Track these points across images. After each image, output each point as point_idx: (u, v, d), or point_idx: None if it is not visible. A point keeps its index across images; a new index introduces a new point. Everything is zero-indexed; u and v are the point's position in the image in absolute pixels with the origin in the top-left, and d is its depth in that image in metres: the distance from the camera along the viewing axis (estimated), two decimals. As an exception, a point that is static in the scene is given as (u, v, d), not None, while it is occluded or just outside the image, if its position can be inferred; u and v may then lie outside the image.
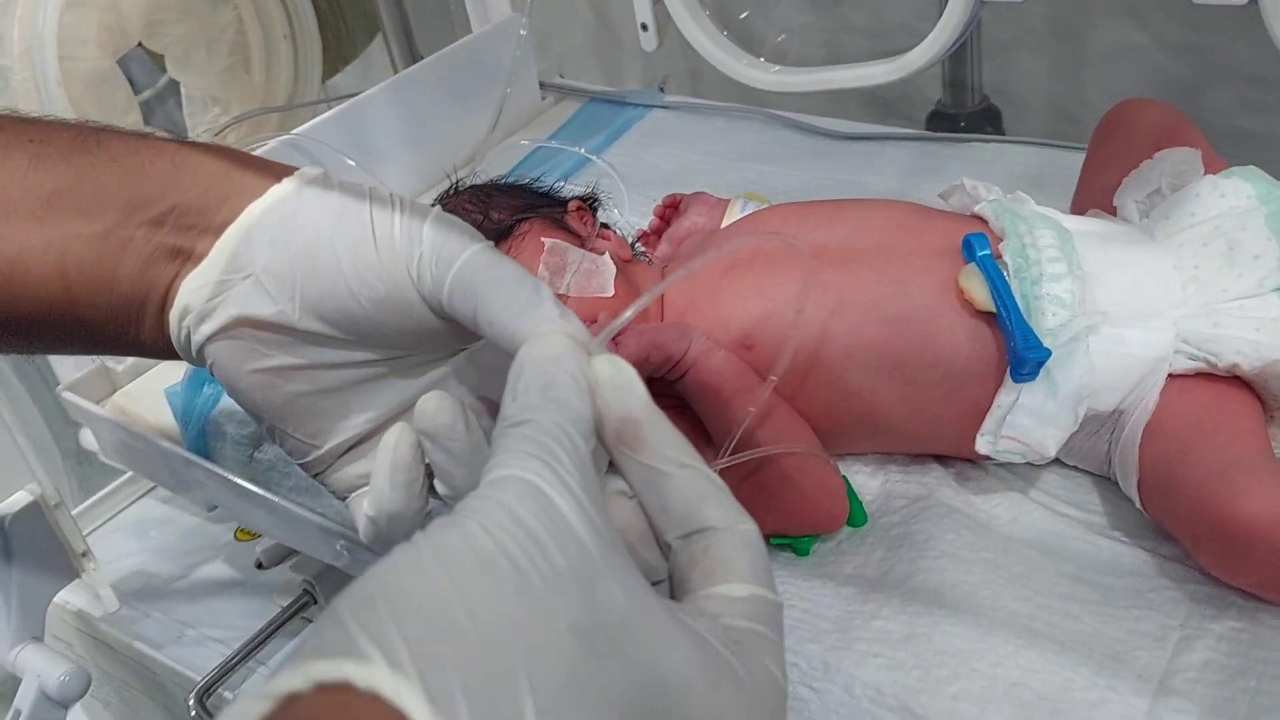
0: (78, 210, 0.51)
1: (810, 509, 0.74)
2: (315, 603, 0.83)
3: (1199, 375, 0.72)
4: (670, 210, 0.99)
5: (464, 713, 0.30)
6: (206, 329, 0.52)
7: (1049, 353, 0.71)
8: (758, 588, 0.40)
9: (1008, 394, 0.73)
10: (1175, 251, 0.76)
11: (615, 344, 0.74)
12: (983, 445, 0.74)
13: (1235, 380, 0.72)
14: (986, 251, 0.76)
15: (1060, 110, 1.43)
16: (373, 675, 0.30)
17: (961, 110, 1.34)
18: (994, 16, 1.34)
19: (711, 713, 0.36)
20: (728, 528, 0.41)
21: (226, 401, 0.91)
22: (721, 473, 0.68)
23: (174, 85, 1.37)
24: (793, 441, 0.74)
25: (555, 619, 0.34)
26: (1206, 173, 0.80)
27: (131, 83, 1.50)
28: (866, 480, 0.82)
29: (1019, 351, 0.71)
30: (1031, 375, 0.72)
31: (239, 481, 0.83)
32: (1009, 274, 0.75)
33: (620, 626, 0.35)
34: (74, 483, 1.18)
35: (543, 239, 0.81)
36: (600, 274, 0.81)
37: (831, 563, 0.76)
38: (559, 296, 0.76)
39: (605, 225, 0.91)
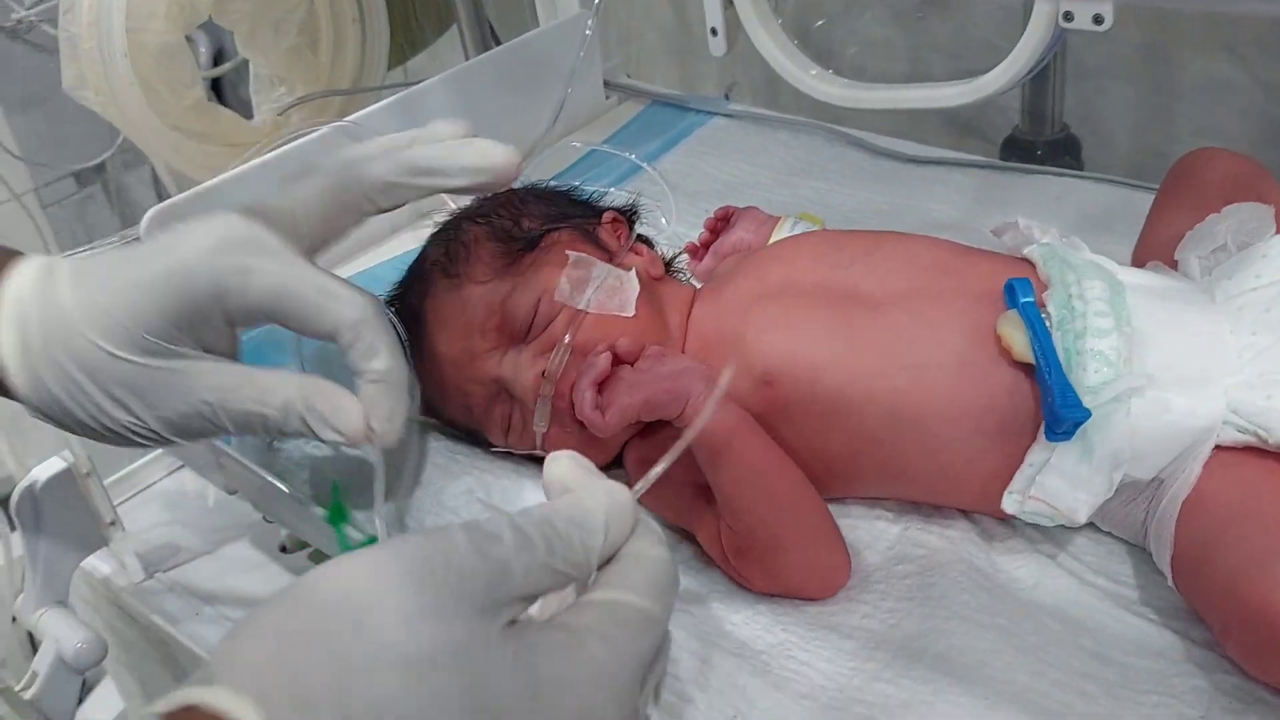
0: None
1: (795, 583, 0.72)
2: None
3: (1247, 450, 0.67)
4: (721, 223, 0.96)
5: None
6: None
7: (1089, 413, 0.66)
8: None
9: (1039, 453, 0.69)
10: (1234, 315, 0.71)
11: (609, 399, 0.72)
12: (1009, 504, 0.70)
13: None
14: (1030, 299, 0.72)
15: (1145, 146, 1.36)
16: (216, 696, 0.41)
17: (1039, 138, 1.28)
18: (1082, 42, 1.28)
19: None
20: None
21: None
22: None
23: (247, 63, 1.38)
24: (789, 507, 0.71)
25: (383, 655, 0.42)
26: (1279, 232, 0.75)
27: (220, 55, 1.51)
28: (886, 526, 0.78)
29: (1056, 409, 0.67)
30: (1068, 435, 0.67)
31: (253, 468, 0.83)
32: (1051, 325, 0.70)
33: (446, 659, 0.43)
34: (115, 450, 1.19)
35: (567, 251, 0.79)
36: (623, 292, 0.78)
37: (838, 611, 0.72)
38: (578, 313, 0.76)
39: (643, 238, 0.88)
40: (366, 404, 0.64)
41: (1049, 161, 1.23)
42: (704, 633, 0.71)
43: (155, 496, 0.99)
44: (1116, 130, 1.37)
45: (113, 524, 0.89)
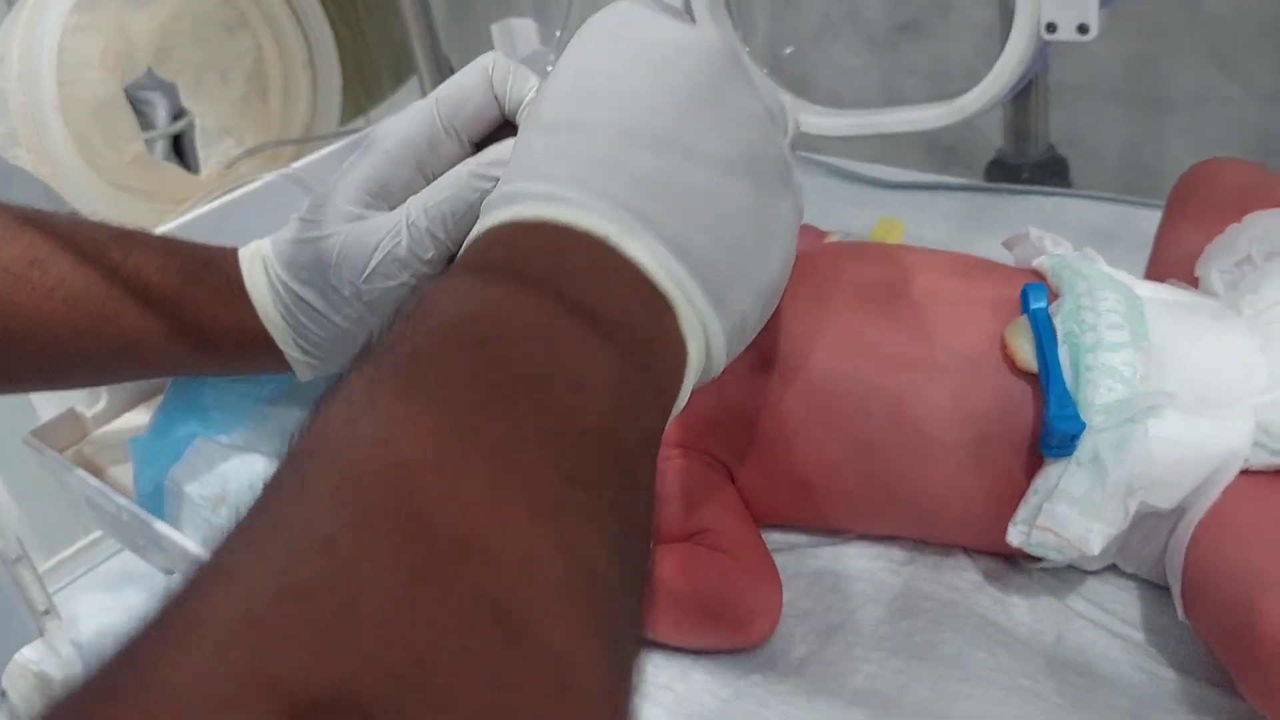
0: None
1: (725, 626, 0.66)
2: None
3: (1278, 473, 0.60)
4: None
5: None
6: None
7: (1083, 425, 0.60)
8: None
9: (1047, 478, 0.62)
10: (1264, 330, 0.64)
11: None
12: (1014, 536, 0.63)
13: None
14: (1042, 304, 0.66)
15: (1135, 163, 1.31)
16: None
17: (1024, 160, 1.22)
18: (1063, 59, 1.23)
19: None
20: None
21: (189, 456, 0.83)
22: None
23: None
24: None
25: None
26: (1304, 239, 0.69)
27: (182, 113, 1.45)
28: (889, 577, 0.70)
29: (1049, 419, 0.60)
30: (1064, 450, 0.61)
31: (191, 548, 0.76)
32: (1060, 339, 0.64)
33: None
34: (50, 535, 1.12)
35: None
36: None
37: (839, 674, 0.65)
38: None
39: None
40: None
41: (1036, 184, 1.17)
42: (689, 714, 0.63)
43: (100, 581, 0.92)
44: (1105, 148, 1.32)
45: (46, 613, 0.81)
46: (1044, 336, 0.64)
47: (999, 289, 0.69)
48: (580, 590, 0.28)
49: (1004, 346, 0.65)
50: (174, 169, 1.26)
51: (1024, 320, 0.66)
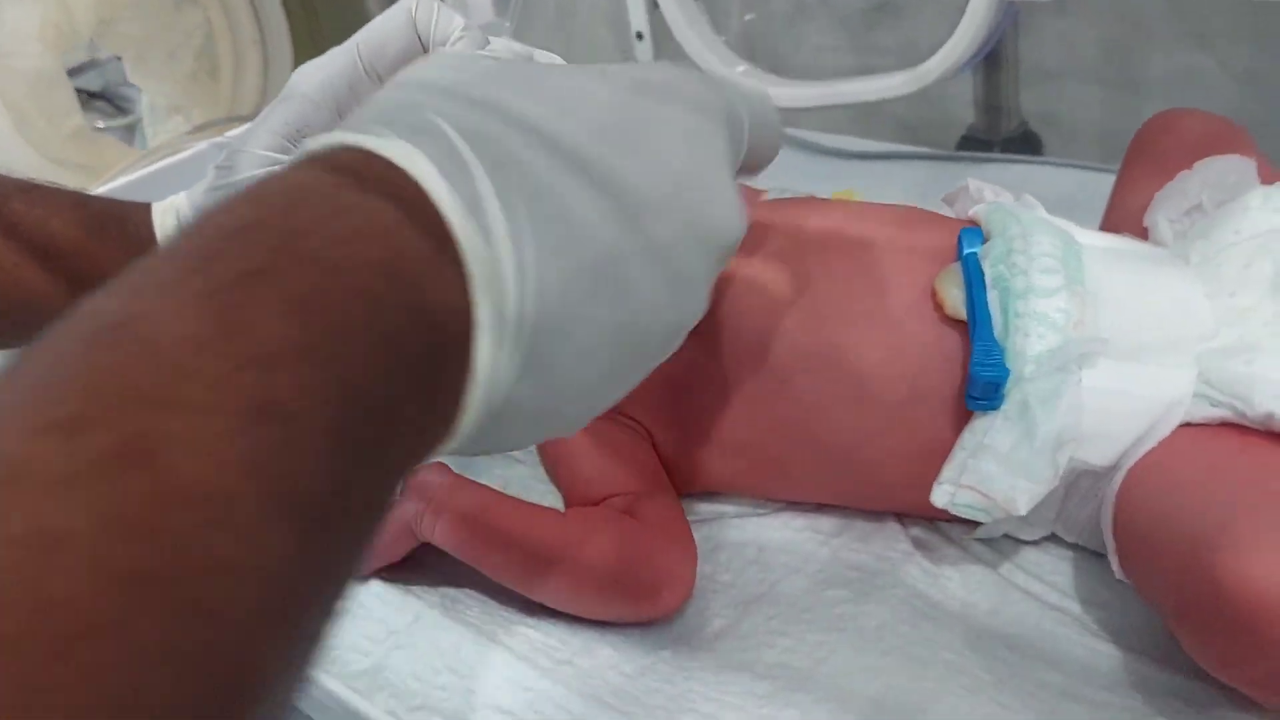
0: None
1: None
2: None
3: (1223, 426, 0.55)
4: None
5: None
6: None
7: (1007, 372, 0.56)
8: None
9: (974, 432, 0.57)
10: (1211, 276, 0.59)
11: None
12: (939, 496, 0.58)
13: (1271, 438, 0.54)
14: (976, 249, 0.61)
15: (1111, 140, 1.26)
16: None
17: (995, 136, 1.18)
18: (1039, 39, 1.19)
19: None
20: None
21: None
22: None
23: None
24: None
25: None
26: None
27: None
28: (816, 548, 0.66)
29: (972, 367, 0.56)
30: (990, 403, 0.56)
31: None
32: (989, 283, 0.59)
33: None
34: None
35: None
36: None
37: (753, 646, 0.60)
38: None
39: None
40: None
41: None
42: (590, 691, 0.58)
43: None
44: (1080, 127, 1.27)
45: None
46: (975, 283, 0.59)
47: (939, 237, 0.65)
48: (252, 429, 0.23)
49: (934, 295, 0.61)
50: (114, 144, 1.22)
51: (955, 266, 0.61)
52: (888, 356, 0.61)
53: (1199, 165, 0.66)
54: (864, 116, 1.38)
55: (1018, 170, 1.00)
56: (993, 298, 0.59)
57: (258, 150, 0.60)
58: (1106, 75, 1.26)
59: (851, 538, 0.66)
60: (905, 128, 1.36)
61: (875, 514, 0.67)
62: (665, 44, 1.21)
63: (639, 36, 1.18)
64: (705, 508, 0.70)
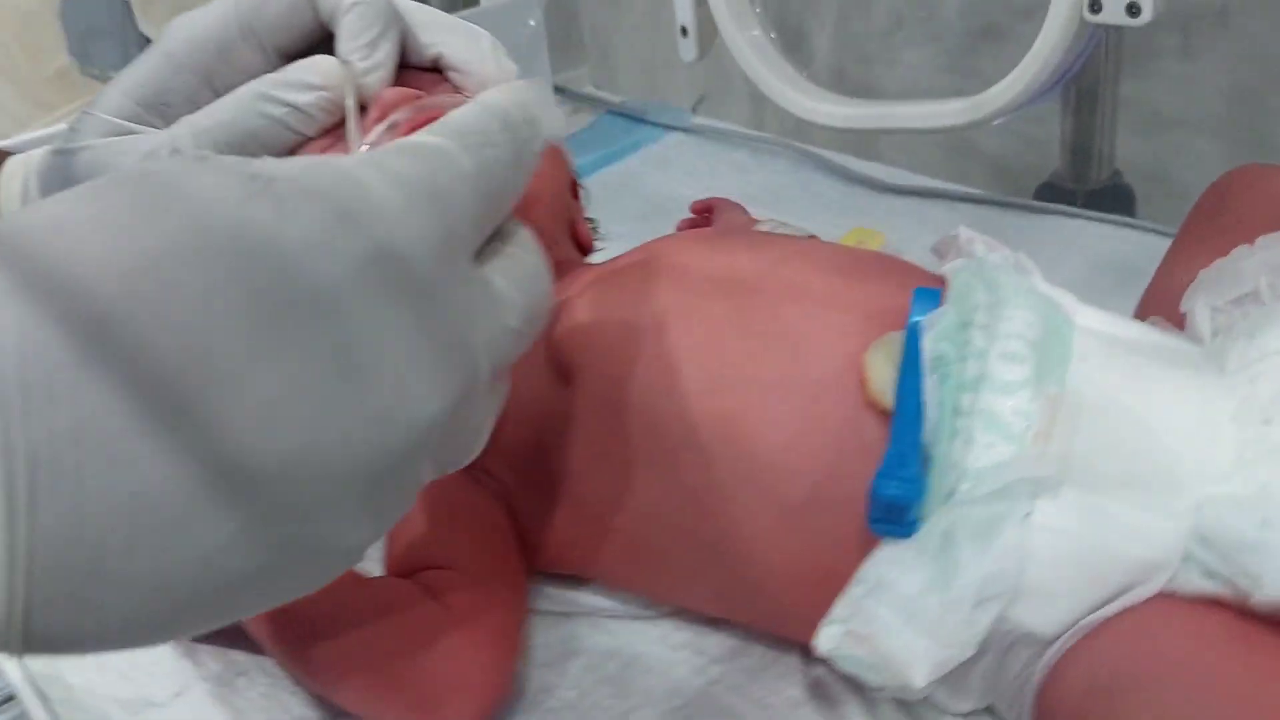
0: None
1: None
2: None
3: (1215, 603, 0.39)
4: (705, 214, 0.78)
5: None
6: None
7: (919, 493, 0.41)
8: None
9: (876, 563, 0.42)
10: (1244, 391, 0.43)
11: None
12: (823, 640, 0.43)
13: (1274, 628, 0.38)
14: (921, 318, 0.46)
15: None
16: None
17: (1081, 185, 1.00)
18: (1152, 79, 1.02)
19: None
20: None
21: None
22: None
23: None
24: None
25: None
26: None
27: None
28: (690, 676, 0.51)
29: (875, 479, 0.42)
30: (897, 528, 0.41)
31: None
32: (928, 365, 0.44)
33: None
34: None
35: None
36: None
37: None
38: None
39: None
40: (343, 35, 0.48)
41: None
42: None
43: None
44: (1192, 188, 1.08)
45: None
46: (909, 362, 0.44)
47: (889, 294, 0.49)
48: None
49: (862, 369, 0.46)
50: (101, 87, 1.14)
51: (895, 336, 0.46)
52: (790, 440, 0.46)
53: (1263, 240, 0.50)
54: (958, 156, 1.22)
55: (1074, 226, 0.83)
56: (930, 384, 0.43)
57: (103, 115, 0.50)
58: (1231, 129, 1.08)
59: (738, 669, 0.51)
60: (990, 167, 1.20)
61: (780, 639, 0.52)
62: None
63: (684, 32, 1.04)
64: (585, 599, 0.56)
